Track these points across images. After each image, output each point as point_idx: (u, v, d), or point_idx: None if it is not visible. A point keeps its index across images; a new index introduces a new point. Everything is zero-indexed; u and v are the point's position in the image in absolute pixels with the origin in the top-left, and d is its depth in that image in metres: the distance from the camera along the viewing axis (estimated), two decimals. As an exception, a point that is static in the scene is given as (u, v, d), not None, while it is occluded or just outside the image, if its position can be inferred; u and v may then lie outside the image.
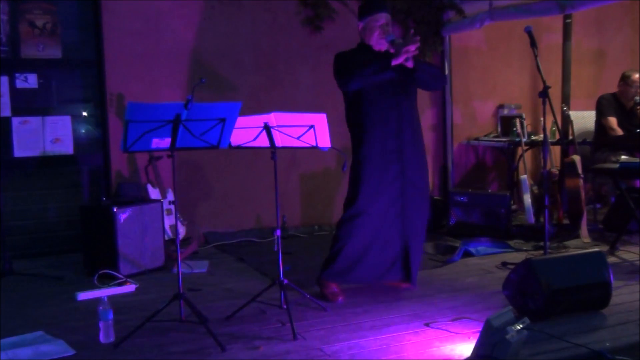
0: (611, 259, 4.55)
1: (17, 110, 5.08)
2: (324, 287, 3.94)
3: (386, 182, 3.88)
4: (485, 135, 6.72)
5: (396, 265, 3.99)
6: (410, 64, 3.76)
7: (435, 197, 6.14)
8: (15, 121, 5.08)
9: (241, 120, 3.39)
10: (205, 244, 5.53)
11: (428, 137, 6.64)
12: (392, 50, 3.80)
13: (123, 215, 4.51)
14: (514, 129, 5.99)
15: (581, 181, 5.27)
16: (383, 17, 3.91)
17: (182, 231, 5.23)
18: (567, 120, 6.00)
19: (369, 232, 3.88)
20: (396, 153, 3.88)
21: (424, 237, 4.11)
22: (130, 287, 4.22)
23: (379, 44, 3.91)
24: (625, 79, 5.87)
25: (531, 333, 2.96)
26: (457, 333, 3.26)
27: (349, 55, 3.93)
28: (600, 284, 3.50)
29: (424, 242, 4.13)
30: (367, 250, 3.91)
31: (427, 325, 3.40)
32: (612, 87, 6.09)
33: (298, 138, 3.52)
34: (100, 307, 3.25)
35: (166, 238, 4.89)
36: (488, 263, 4.69)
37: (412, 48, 3.68)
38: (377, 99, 3.87)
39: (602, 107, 5.89)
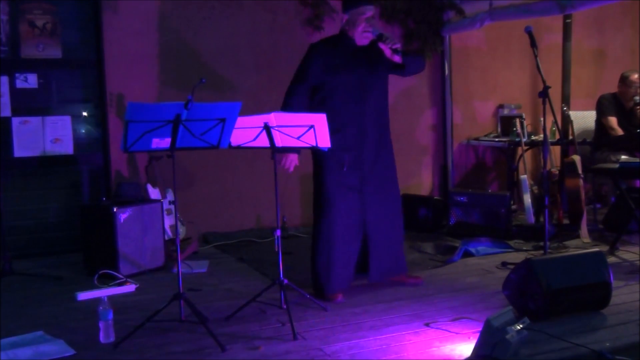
0: (611, 259, 4.55)
1: (17, 110, 5.08)
2: (320, 294, 3.95)
3: (348, 191, 3.92)
4: (485, 135, 6.72)
5: (351, 268, 4.02)
6: (398, 59, 3.84)
7: (435, 197, 6.14)
8: (15, 121, 5.08)
9: (241, 120, 3.39)
10: (204, 244, 5.53)
11: (428, 137, 6.66)
12: (380, 44, 3.82)
13: (123, 215, 4.51)
14: (514, 129, 5.99)
15: (581, 181, 5.27)
16: (369, 10, 3.90)
17: (182, 231, 5.23)
18: (567, 120, 6.01)
19: (336, 238, 3.93)
20: (358, 159, 3.92)
21: (397, 239, 4.13)
22: (130, 287, 4.22)
23: (362, 38, 3.92)
24: (624, 80, 5.88)
25: (531, 333, 2.96)
26: (457, 333, 3.26)
27: (314, 57, 3.93)
28: (600, 284, 3.50)
29: (397, 243, 4.14)
30: (345, 258, 3.96)
31: (427, 325, 3.40)
32: (612, 87, 6.09)
33: (298, 138, 3.52)
34: (100, 307, 3.25)
35: (166, 238, 4.89)
36: (488, 263, 4.69)
37: (399, 45, 3.80)
38: (341, 104, 3.89)
39: (603, 107, 5.89)
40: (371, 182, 3.98)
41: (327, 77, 3.90)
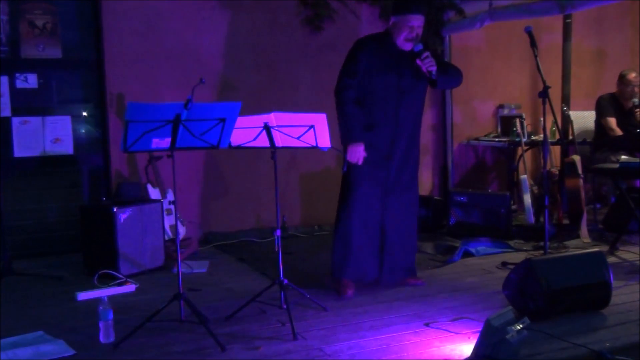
0: (611, 259, 4.55)
1: (17, 110, 5.08)
2: (336, 282, 4.01)
3: (372, 186, 3.98)
4: (485, 135, 6.72)
5: (370, 264, 4.09)
6: (432, 77, 3.86)
7: (435, 197, 6.14)
8: (15, 121, 5.08)
9: (241, 120, 3.39)
10: (204, 244, 5.53)
11: (428, 137, 6.65)
12: (417, 61, 3.83)
13: (123, 215, 4.51)
14: (514, 129, 5.99)
15: (581, 181, 5.27)
16: (414, 19, 3.88)
17: (182, 231, 5.23)
18: (567, 120, 6.00)
19: (362, 232, 4.00)
20: (385, 160, 3.96)
21: (411, 243, 4.19)
22: (130, 287, 4.22)
23: (404, 44, 3.93)
24: (621, 79, 5.88)
25: (531, 333, 2.96)
26: (457, 333, 3.26)
27: (361, 52, 3.92)
28: (600, 284, 3.50)
29: (411, 247, 4.21)
30: (362, 250, 4.03)
31: (427, 325, 3.40)
32: (612, 87, 6.09)
33: (298, 138, 3.52)
34: (100, 307, 3.25)
35: (166, 238, 4.89)
36: (488, 263, 4.69)
37: (434, 69, 3.81)
38: (377, 104, 3.93)
39: (601, 108, 5.89)
40: (394, 185, 4.03)
41: (368, 74, 3.92)
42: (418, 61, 3.83)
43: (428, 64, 3.80)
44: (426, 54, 3.81)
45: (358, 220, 3.98)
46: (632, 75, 5.82)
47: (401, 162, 4.02)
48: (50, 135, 5.19)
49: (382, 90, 3.92)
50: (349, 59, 3.97)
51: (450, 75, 4.05)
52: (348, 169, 3.97)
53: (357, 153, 3.85)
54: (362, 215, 3.99)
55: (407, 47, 3.91)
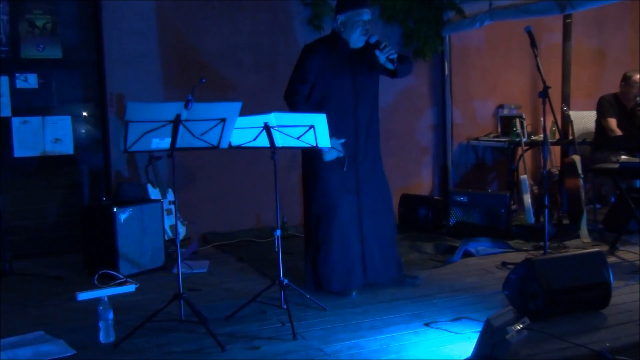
0: (611, 259, 4.55)
1: (17, 110, 5.08)
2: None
3: (343, 188, 3.95)
4: (485, 135, 6.72)
5: (357, 268, 4.03)
6: (392, 66, 3.86)
7: (435, 197, 6.14)
8: (15, 121, 5.08)
9: (241, 120, 3.39)
10: (204, 244, 5.53)
11: (428, 137, 6.66)
12: (376, 51, 3.82)
13: (123, 216, 4.51)
14: (514, 129, 5.99)
15: (581, 181, 5.27)
16: (366, 14, 3.89)
17: (182, 231, 5.23)
18: (567, 120, 6.01)
19: (340, 237, 3.96)
20: (353, 161, 3.93)
21: (390, 239, 4.16)
22: (130, 287, 4.22)
23: (359, 41, 3.92)
24: (626, 80, 5.86)
25: (531, 333, 2.96)
26: (457, 333, 3.26)
27: (310, 59, 3.90)
28: (600, 284, 3.50)
29: (391, 242, 4.17)
30: (343, 256, 3.98)
31: (427, 325, 3.40)
32: (612, 88, 6.09)
33: (298, 138, 3.52)
34: (100, 307, 3.25)
35: (166, 238, 4.89)
36: (488, 263, 4.69)
37: (396, 56, 3.81)
38: (335, 107, 3.89)
39: (603, 108, 5.88)
40: (366, 182, 4.01)
41: (322, 78, 3.91)
42: (377, 52, 3.81)
43: (388, 52, 3.79)
44: (384, 43, 3.81)
45: (338, 229, 3.94)
46: (637, 77, 5.80)
47: (368, 160, 4.01)
48: (50, 135, 5.19)
49: (338, 92, 3.91)
50: (299, 66, 3.94)
51: (406, 63, 4.02)
52: (319, 178, 3.93)
53: (332, 149, 3.82)
54: (340, 222, 3.94)
55: (361, 43, 3.91)
